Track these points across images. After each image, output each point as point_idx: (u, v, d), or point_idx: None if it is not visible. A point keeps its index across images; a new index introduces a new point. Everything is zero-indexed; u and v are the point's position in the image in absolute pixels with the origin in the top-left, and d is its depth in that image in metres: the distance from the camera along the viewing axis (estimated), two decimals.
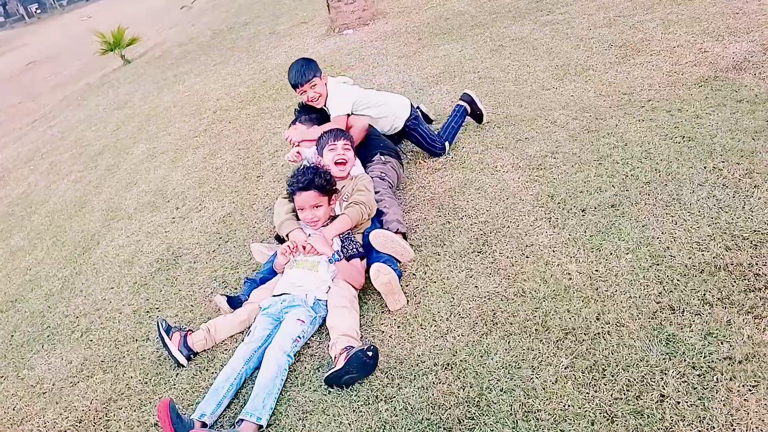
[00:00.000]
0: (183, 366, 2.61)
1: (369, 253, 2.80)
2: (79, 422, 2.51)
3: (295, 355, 2.42)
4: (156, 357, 2.76)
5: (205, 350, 2.67)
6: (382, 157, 3.38)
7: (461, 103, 3.88)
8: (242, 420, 2.14)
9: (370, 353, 2.18)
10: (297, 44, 8.08)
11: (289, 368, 2.36)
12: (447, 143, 3.72)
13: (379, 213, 3.02)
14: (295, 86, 3.41)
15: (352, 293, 2.61)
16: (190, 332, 2.68)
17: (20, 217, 5.56)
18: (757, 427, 1.61)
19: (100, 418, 2.49)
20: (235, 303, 2.83)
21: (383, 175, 3.26)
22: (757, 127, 2.99)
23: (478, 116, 3.91)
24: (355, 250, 2.72)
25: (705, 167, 2.78)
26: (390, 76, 5.49)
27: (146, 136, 6.60)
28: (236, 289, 3.08)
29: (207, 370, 2.55)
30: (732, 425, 1.63)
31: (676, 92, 3.62)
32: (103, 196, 5.20)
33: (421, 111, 4.07)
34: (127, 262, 3.82)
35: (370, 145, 3.44)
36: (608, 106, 3.68)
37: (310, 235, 2.79)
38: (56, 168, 6.82)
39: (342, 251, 2.69)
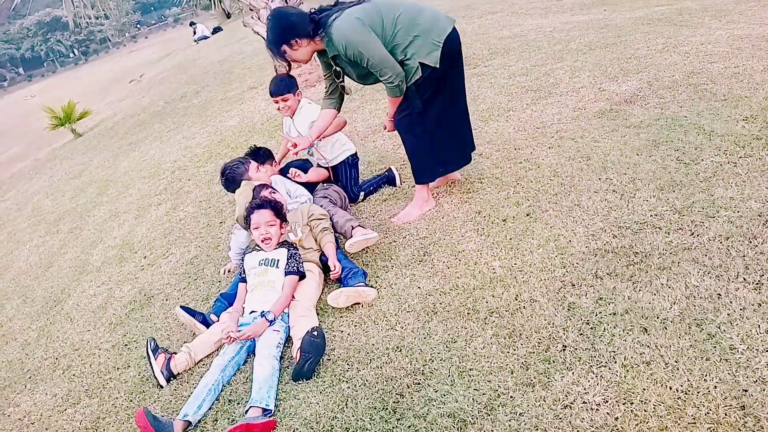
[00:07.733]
0: (162, 387, 2.90)
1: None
2: None
3: (281, 359, 2.76)
4: (139, 379, 3.04)
5: (185, 370, 2.98)
6: (324, 184, 3.95)
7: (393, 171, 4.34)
8: (251, 407, 2.43)
9: (315, 333, 2.58)
10: (249, 107, 8.60)
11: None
12: (362, 192, 4.20)
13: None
14: (271, 95, 4.05)
15: (308, 305, 3.01)
16: (173, 355, 2.98)
17: None
18: (630, 356, 2.08)
19: None
20: (195, 315, 3.19)
21: (326, 194, 3.79)
22: (640, 146, 3.63)
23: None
24: (295, 267, 3.11)
25: (599, 179, 3.37)
26: None
27: (107, 199, 6.87)
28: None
29: (187, 382, 2.86)
30: (614, 358, 2.10)
31: (579, 123, 4.28)
32: (69, 256, 5.42)
33: (392, 172, 4.33)
34: (100, 307, 4.07)
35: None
36: (524, 139, 4.29)
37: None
38: (16, 237, 6.94)
39: (288, 264, 3.11)
